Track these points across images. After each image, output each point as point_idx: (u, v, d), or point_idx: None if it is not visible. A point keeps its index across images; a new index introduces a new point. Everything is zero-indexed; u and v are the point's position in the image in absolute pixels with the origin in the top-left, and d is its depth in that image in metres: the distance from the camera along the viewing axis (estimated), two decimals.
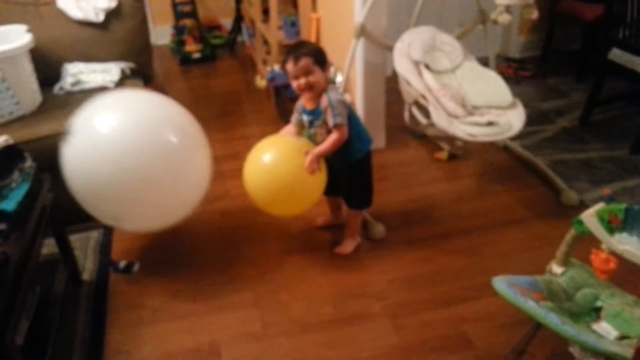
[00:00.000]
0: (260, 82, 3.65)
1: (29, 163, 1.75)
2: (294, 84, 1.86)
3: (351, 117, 1.91)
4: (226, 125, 3.28)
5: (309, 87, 1.84)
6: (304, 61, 1.81)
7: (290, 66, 1.84)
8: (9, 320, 1.34)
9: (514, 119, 2.25)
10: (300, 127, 2.01)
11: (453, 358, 1.68)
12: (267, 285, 1.99)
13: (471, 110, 2.28)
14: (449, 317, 1.81)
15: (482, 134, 2.18)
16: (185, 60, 4.37)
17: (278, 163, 1.87)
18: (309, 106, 1.92)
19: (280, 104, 3.29)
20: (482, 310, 1.81)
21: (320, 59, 1.85)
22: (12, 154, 1.72)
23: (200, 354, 1.72)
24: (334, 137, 1.85)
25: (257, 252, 2.15)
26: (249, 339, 1.77)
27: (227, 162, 2.79)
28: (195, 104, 3.67)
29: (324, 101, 1.85)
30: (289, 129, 2.04)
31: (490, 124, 2.19)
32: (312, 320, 1.82)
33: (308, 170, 1.83)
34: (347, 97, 2.81)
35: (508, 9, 2.28)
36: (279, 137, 2.01)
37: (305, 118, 1.95)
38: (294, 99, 2.98)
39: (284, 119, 3.21)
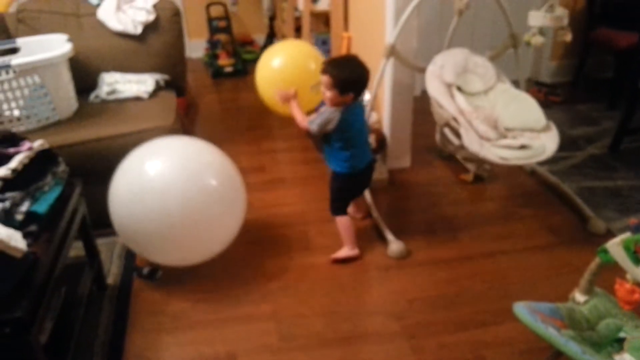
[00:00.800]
0: None
1: (62, 167, 1.80)
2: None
3: (338, 141, 2.05)
4: (253, 138, 3.33)
5: (324, 96, 2.00)
6: (325, 77, 1.95)
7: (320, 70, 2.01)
8: (35, 319, 1.37)
9: (548, 142, 2.22)
10: None
11: None
12: (286, 299, 2.00)
13: (504, 132, 2.26)
14: (468, 340, 1.78)
15: (514, 157, 2.15)
16: (218, 74, 4.46)
17: (289, 60, 2.32)
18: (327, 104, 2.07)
19: None
20: (503, 335, 1.79)
21: (342, 85, 1.93)
22: (47, 158, 1.78)
23: None
24: (304, 119, 2.07)
25: (278, 266, 2.17)
26: (266, 352, 1.77)
27: (253, 174, 2.83)
28: (225, 117, 3.74)
29: (323, 108, 2.04)
30: None
31: (523, 147, 2.16)
32: (330, 336, 1.82)
33: (278, 94, 2.14)
34: (374, 116, 2.83)
35: (541, 30, 2.28)
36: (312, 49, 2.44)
37: None
38: None
39: (310, 135, 3.24)
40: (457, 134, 2.24)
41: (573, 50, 3.93)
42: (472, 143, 2.17)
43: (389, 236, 2.25)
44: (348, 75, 1.94)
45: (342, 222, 2.18)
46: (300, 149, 3.19)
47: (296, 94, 2.12)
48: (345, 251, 2.19)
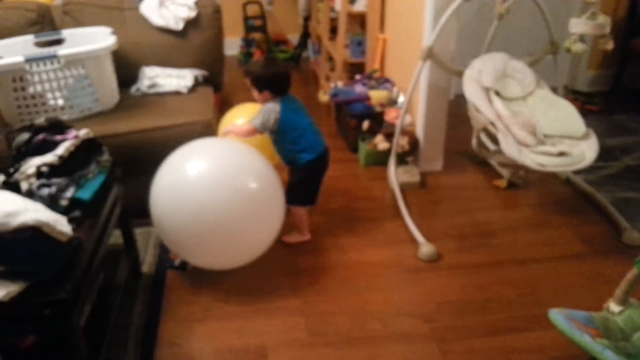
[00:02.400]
0: (324, 97, 3.72)
1: (105, 157, 1.85)
2: None
3: (287, 133, 2.13)
4: None
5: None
6: (247, 79, 2.14)
7: None
8: (78, 302, 1.42)
9: (588, 150, 2.19)
10: None
11: None
12: (315, 296, 2.02)
13: (542, 139, 2.25)
14: (498, 346, 1.78)
15: (552, 164, 2.13)
16: None
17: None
18: None
19: (340, 120, 3.35)
20: (533, 342, 1.78)
21: (257, 84, 2.10)
22: (92, 146, 1.83)
23: (247, 355, 1.76)
24: (244, 129, 2.13)
25: (308, 262, 2.19)
26: (294, 346, 1.80)
27: (284, 172, 2.85)
28: None
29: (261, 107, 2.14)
30: None
31: (561, 154, 2.15)
32: (358, 335, 1.84)
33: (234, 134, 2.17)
34: (408, 118, 2.83)
35: (582, 38, 2.25)
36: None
37: None
38: (355, 115, 3.05)
39: (343, 134, 3.27)
40: (494, 139, 2.23)
41: (611, 59, 3.87)
42: (510, 148, 2.16)
43: (420, 238, 2.26)
44: (259, 73, 2.10)
45: (300, 212, 2.28)
46: (330, 148, 3.19)
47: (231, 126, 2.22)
48: (297, 236, 2.31)
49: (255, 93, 2.14)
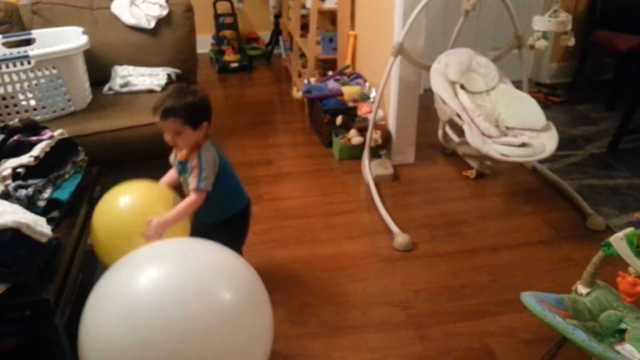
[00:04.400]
0: (297, 94, 3.76)
1: (81, 157, 1.85)
2: (164, 135, 1.61)
3: (228, 175, 1.73)
4: (260, 133, 3.38)
5: (175, 144, 1.62)
6: (171, 122, 1.55)
7: (156, 118, 1.58)
8: (59, 303, 1.42)
9: (548, 141, 2.29)
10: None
11: None
12: (296, 288, 2.05)
13: (505, 131, 2.34)
14: (473, 330, 1.85)
15: (515, 155, 2.22)
16: (223, 69, 4.52)
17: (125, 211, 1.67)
18: (180, 156, 1.67)
19: (314, 116, 3.38)
20: (506, 325, 1.85)
21: (194, 118, 1.57)
22: (67, 146, 1.83)
23: None
24: (190, 200, 1.61)
25: (287, 256, 2.22)
26: (278, 339, 1.79)
27: (261, 168, 2.89)
28: (231, 111, 3.79)
29: (194, 161, 1.61)
30: (171, 172, 1.79)
31: (523, 145, 2.23)
32: (339, 324, 1.88)
33: (145, 237, 1.54)
34: (380, 113, 2.88)
35: (545, 34, 2.34)
36: (147, 185, 1.73)
37: (176, 166, 1.73)
38: (328, 111, 3.09)
39: (317, 130, 3.30)
40: (459, 131, 2.31)
41: (573, 52, 4.00)
42: (474, 139, 2.23)
43: (395, 229, 2.31)
44: (193, 102, 1.58)
45: None
46: (305, 143, 3.25)
47: (151, 220, 1.56)
48: None
49: (186, 134, 1.57)
